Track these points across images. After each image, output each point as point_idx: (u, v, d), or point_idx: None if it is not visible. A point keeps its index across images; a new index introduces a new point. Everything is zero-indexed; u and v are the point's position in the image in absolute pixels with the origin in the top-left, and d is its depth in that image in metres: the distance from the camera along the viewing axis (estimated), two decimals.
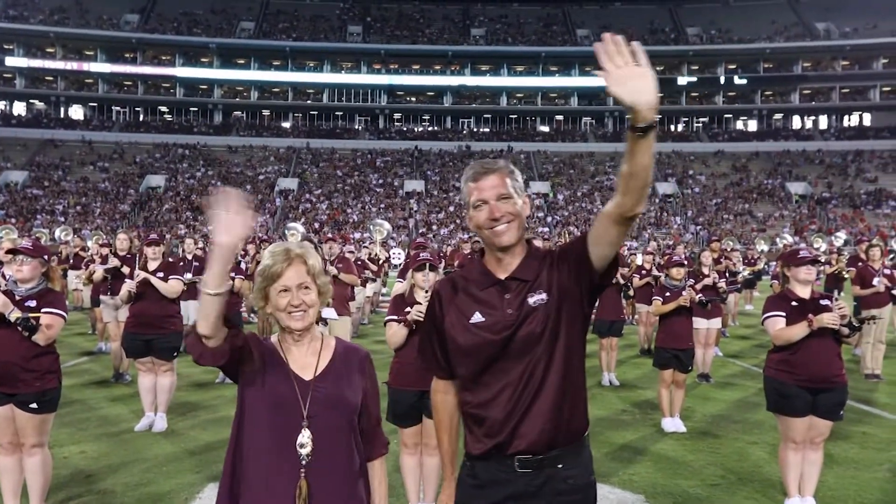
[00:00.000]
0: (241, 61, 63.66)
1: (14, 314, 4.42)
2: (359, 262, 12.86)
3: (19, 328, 4.43)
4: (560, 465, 2.31)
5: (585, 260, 2.28)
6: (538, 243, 7.63)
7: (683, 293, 7.41)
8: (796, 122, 65.10)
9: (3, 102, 62.94)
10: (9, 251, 4.94)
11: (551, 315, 2.30)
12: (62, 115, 62.64)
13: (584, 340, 2.42)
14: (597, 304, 10.44)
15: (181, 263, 10.29)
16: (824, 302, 4.87)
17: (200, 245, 15.16)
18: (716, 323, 9.99)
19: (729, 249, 15.26)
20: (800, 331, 4.79)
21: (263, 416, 2.26)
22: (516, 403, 2.29)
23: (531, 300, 2.31)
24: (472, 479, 2.39)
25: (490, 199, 2.32)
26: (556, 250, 2.41)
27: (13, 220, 39.88)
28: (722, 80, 63.53)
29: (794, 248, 5.54)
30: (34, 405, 4.57)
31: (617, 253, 2.31)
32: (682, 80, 63.54)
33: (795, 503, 5.06)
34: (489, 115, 65.45)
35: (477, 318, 2.35)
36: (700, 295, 8.27)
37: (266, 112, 65.02)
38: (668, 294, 7.50)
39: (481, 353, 2.33)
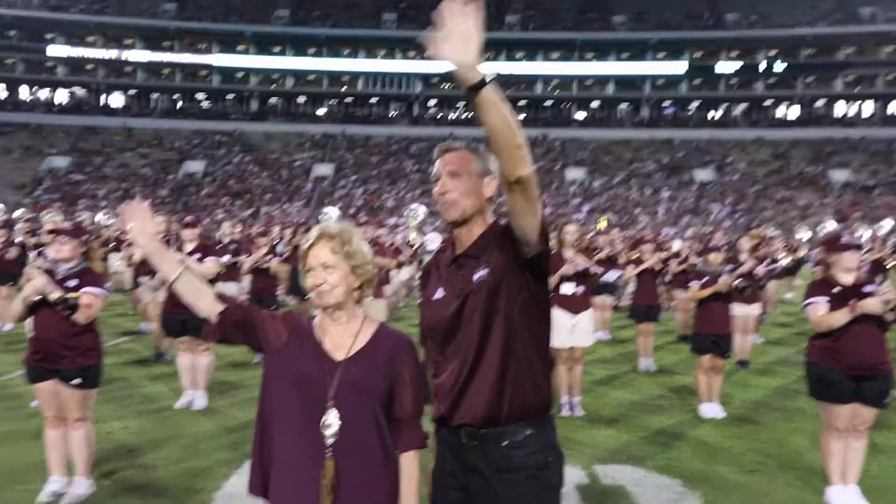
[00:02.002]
0: (277, 49, 64.02)
1: (55, 294, 4.51)
2: (393, 247, 12.90)
3: (60, 307, 4.53)
4: (505, 443, 2.33)
5: (513, 235, 2.31)
6: (572, 228, 7.62)
7: (721, 279, 7.29)
8: (839, 108, 63.57)
9: (46, 90, 64.16)
10: (50, 231, 5.07)
11: (490, 291, 2.34)
12: (102, 103, 63.70)
13: (535, 318, 2.40)
14: (633, 289, 10.41)
15: (218, 246, 10.43)
16: (868, 288, 4.76)
17: (238, 229, 15.36)
18: (754, 309, 9.84)
19: (769, 236, 14.97)
20: (842, 317, 4.69)
21: (290, 392, 2.26)
22: (458, 377, 2.35)
23: (475, 277, 2.37)
24: (440, 445, 2.49)
25: (442, 175, 2.42)
26: (504, 227, 2.42)
27: (58, 205, 40.73)
28: (762, 66, 62.24)
29: (835, 234, 5.41)
30: (77, 381, 4.68)
31: (541, 225, 2.26)
32: (721, 67, 62.40)
33: (838, 491, 4.96)
34: (524, 102, 64.98)
35: (438, 293, 2.46)
36: (737, 281, 8.12)
37: (301, 99, 65.38)
38: (705, 280, 7.39)
39: (439, 329, 2.43)
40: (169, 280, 2.29)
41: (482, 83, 1.95)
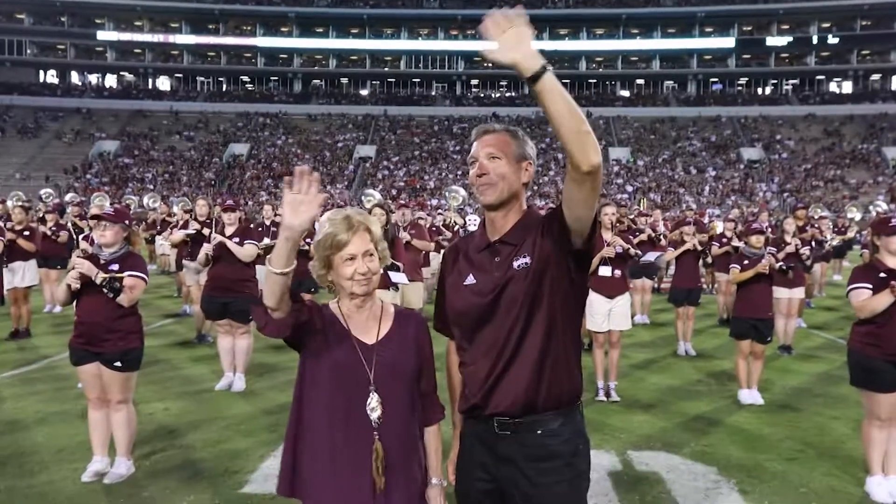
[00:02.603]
0: (320, 30, 64.30)
1: (99, 277, 4.63)
2: (433, 229, 12.92)
3: (105, 290, 4.64)
4: (539, 431, 2.32)
5: (563, 224, 2.26)
6: (610, 210, 7.51)
7: (763, 261, 7.14)
8: (895, 83, 61.41)
9: (96, 75, 65.61)
10: (92, 216, 5.18)
11: (533, 279, 2.31)
12: (150, 87, 64.86)
13: (574, 307, 2.40)
14: (673, 271, 10.26)
15: (260, 229, 10.57)
16: None
17: (279, 211, 15.53)
18: (798, 293, 9.63)
19: (816, 217, 14.59)
20: (885, 300, 4.56)
21: (328, 382, 2.29)
22: (495, 365, 2.32)
23: (515, 263, 2.33)
24: (465, 438, 2.48)
25: (480, 157, 2.38)
26: (548, 214, 2.39)
27: (106, 189, 41.71)
28: (814, 39, 60.41)
29: (885, 216, 5.23)
30: (118, 363, 4.80)
31: (595, 217, 2.26)
32: (772, 41, 60.78)
33: (878, 481, 4.85)
34: (568, 80, 64.07)
35: (470, 280, 2.41)
36: (781, 263, 7.94)
37: (344, 80, 65.65)
38: (746, 262, 7.25)
39: (470, 315, 2.38)
40: (277, 270, 2.08)
41: (542, 70, 1.96)
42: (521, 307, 2.30)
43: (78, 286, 4.70)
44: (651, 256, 8.67)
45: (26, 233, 10.20)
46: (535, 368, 2.30)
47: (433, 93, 64.78)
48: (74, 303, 4.87)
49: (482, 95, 64.32)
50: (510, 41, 1.95)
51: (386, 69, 65.36)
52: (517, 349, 2.31)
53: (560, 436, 2.33)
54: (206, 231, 8.23)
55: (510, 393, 2.30)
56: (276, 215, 12.81)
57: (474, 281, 2.39)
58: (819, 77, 62.50)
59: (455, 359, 2.55)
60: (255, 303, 2.21)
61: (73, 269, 4.70)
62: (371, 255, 2.32)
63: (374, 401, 2.26)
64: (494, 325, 2.33)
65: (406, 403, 2.34)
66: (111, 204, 19.64)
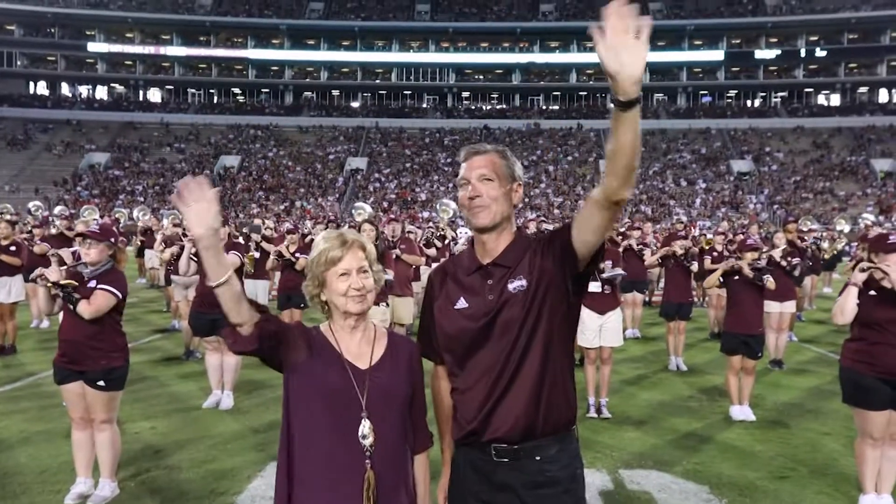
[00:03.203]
0: (311, 42, 64.40)
1: (54, 276, 4.62)
2: (423, 242, 12.88)
3: (63, 298, 4.63)
4: (538, 458, 2.28)
5: (569, 247, 2.24)
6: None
7: (731, 260, 7.21)
8: (883, 95, 61.92)
9: (87, 87, 65.44)
10: (77, 234, 5.12)
11: (530, 302, 2.27)
12: (141, 98, 64.74)
13: (569, 330, 2.38)
14: (664, 286, 10.19)
15: (249, 242, 10.51)
16: None
17: (270, 224, 15.48)
18: (789, 307, 9.62)
19: (806, 230, 14.63)
20: (851, 297, 4.59)
21: (319, 406, 2.22)
22: (492, 390, 2.28)
23: (511, 286, 2.30)
24: (459, 466, 2.41)
25: (472, 179, 2.34)
26: (545, 236, 2.37)
27: (97, 201, 41.53)
28: (803, 52, 60.88)
29: (883, 233, 5.21)
30: (101, 383, 4.73)
31: (602, 242, 2.25)
32: (760, 54, 61.21)
33: (871, 500, 4.82)
34: (558, 93, 64.50)
35: (461, 303, 2.36)
36: (747, 266, 7.51)
37: (335, 92, 65.70)
38: (735, 278, 7.21)
39: (463, 340, 2.33)
40: (213, 283, 2.08)
41: (637, 100, 1.92)
42: (518, 330, 2.26)
43: (48, 285, 4.65)
44: (614, 272, 8.36)
45: (12, 248, 10.09)
46: (533, 392, 2.26)
47: (424, 105, 64.91)
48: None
49: (473, 108, 64.49)
50: (628, 50, 1.82)
51: (377, 81, 65.48)
52: (515, 373, 2.26)
53: (559, 461, 2.29)
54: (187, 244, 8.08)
55: (509, 418, 2.26)
56: (266, 228, 12.83)
57: (466, 305, 2.34)
58: (807, 90, 62.96)
59: (444, 384, 2.49)
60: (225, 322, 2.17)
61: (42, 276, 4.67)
62: (365, 272, 2.29)
63: (366, 427, 2.21)
64: (489, 349, 2.28)
65: (398, 431, 2.29)
66: (101, 216, 19.54)
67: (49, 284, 4.63)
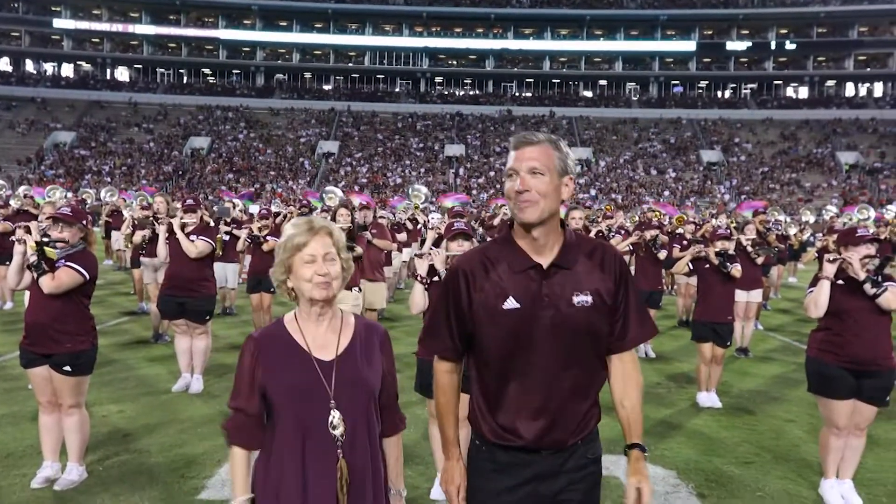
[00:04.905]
0: (284, 23, 63.61)
1: (34, 239, 4.55)
2: (394, 227, 12.84)
3: (31, 262, 4.57)
4: (585, 449, 2.38)
5: (620, 280, 2.36)
6: (578, 214, 7.51)
7: (697, 246, 7.33)
8: (849, 89, 62.94)
9: (52, 64, 63.99)
10: (48, 218, 5.04)
11: (590, 318, 2.27)
12: (108, 77, 63.49)
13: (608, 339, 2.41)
14: (633, 274, 10.34)
15: (219, 226, 10.38)
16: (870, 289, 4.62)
17: (240, 207, 15.33)
18: (756, 296, 9.78)
19: (772, 221, 14.85)
20: (824, 289, 4.64)
21: (287, 401, 2.24)
22: (548, 398, 2.27)
23: (576, 300, 2.25)
24: (491, 464, 2.35)
25: (521, 171, 2.22)
26: (616, 264, 2.34)
27: (62, 181, 40.74)
28: (772, 45, 61.57)
29: (851, 227, 5.30)
30: (68, 368, 4.65)
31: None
32: (731, 45, 61.77)
33: (832, 485, 4.93)
34: (531, 80, 64.52)
35: (510, 303, 2.24)
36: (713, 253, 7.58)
37: (308, 75, 65.05)
38: (706, 266, 7.31)
39: (509, 341, 2.26)
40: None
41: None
42: (577, 342, 2.26)
43: (33, 244, 4.56)
44: None
45: None
46: (589, 400, 2.35)
47: (397, 89, 64.54)
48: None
49: (446, 93, 64.27)
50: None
51: (350, 65, 64.93)
52: (571, 380, 2.28)
53: (595, 442, 2.42)
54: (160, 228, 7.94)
55: (570, 425, 2.30)
56: (236, 210, 12.68)
57: (517, 305, 2.23)
58: (777, 82, 63.76)
59: (453, 379, 2.43)
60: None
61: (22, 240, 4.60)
62: (332, 259, 2.28)
63: (335, 418, 2.22)
64: (542, 353, 2.24)
65: (369, 418, 2.32)
66: (66, 196, 19.17)
67: (33, 243, 4.53)
